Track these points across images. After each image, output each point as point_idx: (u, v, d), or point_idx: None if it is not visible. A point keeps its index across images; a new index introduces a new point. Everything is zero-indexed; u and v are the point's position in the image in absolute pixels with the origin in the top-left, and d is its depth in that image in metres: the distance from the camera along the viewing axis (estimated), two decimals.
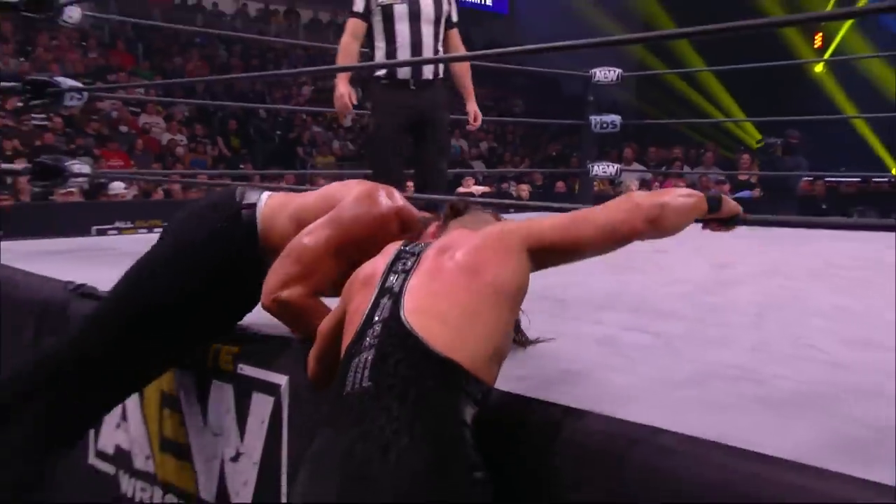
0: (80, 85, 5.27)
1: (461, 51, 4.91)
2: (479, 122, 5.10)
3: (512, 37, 21.96)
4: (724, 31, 2.09)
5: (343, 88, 4.55)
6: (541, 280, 2.89)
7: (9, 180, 9.16)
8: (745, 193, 8.88)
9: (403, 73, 4.54)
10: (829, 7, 16.15)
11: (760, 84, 13.88)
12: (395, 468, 1.38)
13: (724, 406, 1.84)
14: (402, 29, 4.48)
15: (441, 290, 1.62)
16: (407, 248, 1.80)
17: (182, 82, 13.54)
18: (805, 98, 15.29)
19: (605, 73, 6.40)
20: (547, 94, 13.82)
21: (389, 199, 2.27)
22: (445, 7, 4.65)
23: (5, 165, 9.10)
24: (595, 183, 7.16)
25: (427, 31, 4.52)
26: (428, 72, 4.59)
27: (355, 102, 4.79)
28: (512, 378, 1.90)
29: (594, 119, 6.51)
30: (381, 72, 4.57)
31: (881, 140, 14.43)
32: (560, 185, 9.97)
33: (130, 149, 13.65)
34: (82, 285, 3.27)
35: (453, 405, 1.49)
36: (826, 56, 15.80)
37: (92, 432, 3.00)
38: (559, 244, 1.71)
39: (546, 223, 1.76)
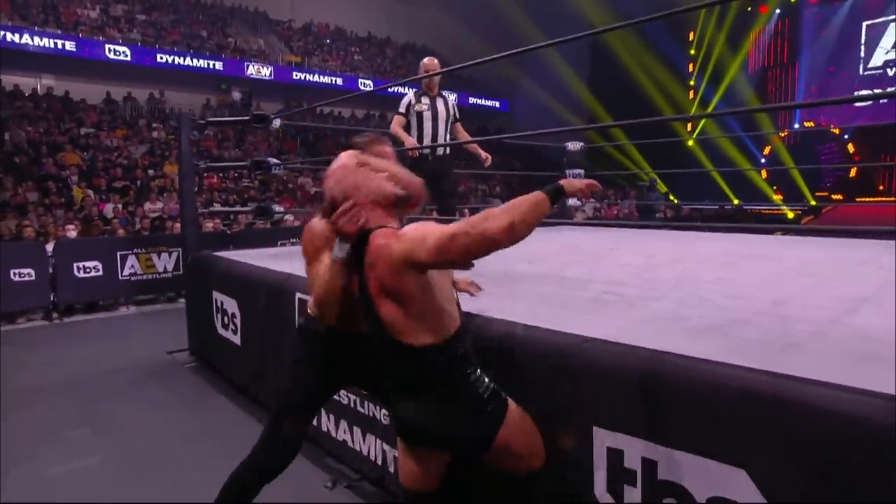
0: (279, 163, 5.47)
1: (466, 136, 4.44)
2: (489, 161, 4.45)
3: (512, 124, 22.09)
4: (637, 123, 2.29)
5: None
6: (554, 268, 3.10)
7: (239, 217, 9.57)
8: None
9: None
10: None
11: (660, 151, 14.16)
12: (439, 413, 1.60)
13: (663, 332, 2.02)
14: (427, 126, 4.25)
15: (392, 312, 1.56)
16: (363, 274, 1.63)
17: (324, 160, 13.77)
18: (685, 159, 15.73)
19: (574, 145, 6.41)
20: (534, 157, 13.84)
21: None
22: (452, 112, 4.36)
23: (241, 208, 9.42)
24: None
25: (442, 127, 4.28)
26: (440, 149, 4.27)
27: None
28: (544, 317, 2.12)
29: (568, 172, 6.43)
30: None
31: (726, 183, 15.09)
32: None
33: (294, 197, 13.90)
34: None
35: (455, 362, 1.61)
36: (694, 136, 16.25)
37: None
38: (432, 262, 1.51)
39: (426, 249, 1.47)
